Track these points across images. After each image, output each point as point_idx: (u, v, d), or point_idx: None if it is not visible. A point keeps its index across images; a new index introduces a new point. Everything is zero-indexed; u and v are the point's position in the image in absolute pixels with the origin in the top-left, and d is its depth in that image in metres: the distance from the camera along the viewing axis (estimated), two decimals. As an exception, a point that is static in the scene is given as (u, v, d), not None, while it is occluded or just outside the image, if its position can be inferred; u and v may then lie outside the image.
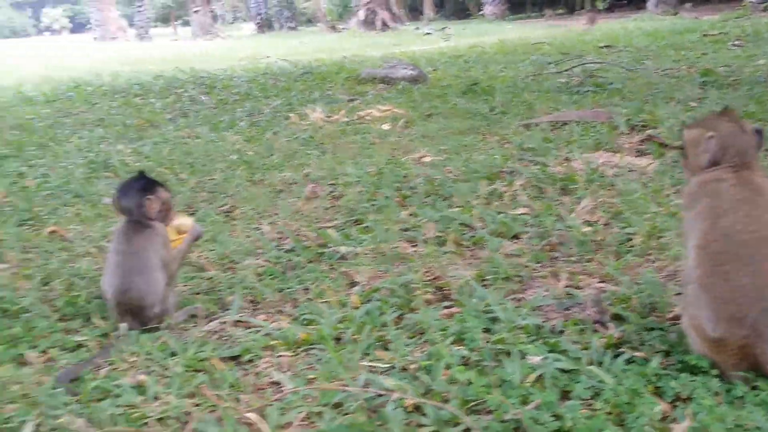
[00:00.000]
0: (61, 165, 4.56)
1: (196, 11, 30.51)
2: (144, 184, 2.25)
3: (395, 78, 7.72)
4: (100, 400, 1.76)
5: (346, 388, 1.73)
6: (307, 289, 2.42)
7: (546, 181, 3.46)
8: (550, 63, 8.62)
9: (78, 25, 65.51)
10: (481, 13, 29.27)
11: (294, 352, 2.00)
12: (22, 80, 10.92)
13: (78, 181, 4.07)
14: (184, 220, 2.47)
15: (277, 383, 1.83)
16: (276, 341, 2.03)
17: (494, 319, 2.05)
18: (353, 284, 2.46)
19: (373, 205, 3.31)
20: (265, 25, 32.13)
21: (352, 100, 6.75)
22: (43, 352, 2.03)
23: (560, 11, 28.68)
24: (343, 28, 26.87)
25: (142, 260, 2.13)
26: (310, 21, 35.71)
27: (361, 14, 26.25)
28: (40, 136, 5.65)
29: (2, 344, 2.07)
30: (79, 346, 2.07)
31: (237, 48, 19.08)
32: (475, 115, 5.48)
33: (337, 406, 1.68)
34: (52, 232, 3.18)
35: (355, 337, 2.02)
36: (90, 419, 1.66)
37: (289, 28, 31.26)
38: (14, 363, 1.96)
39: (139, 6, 31.43)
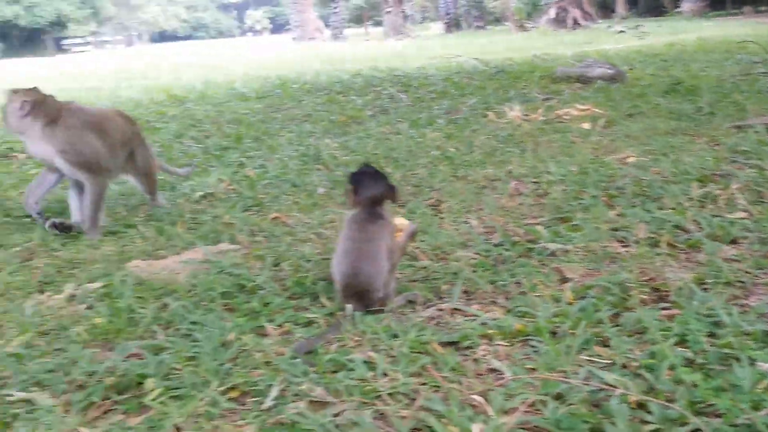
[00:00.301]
0: (276, 157, 4.89)
1: (388, 12, 31.29)
2: (383, 176, 2.39)
3: (591, 77, 7.59)
4: (333, 372, 1.90)
5: (568, 380, 1.76)
6: (518, 282, 2.47)
7: (765, 186, 3.30)
8: (757, 62, 8.12)
9: (277, 26, 69.15)
10: (678, 10, 27.93)
11: (509, 342, 2.05)
12: (232, 78, 11.74)
13: (293, 172, 4.35)
14: (399, 220, 2.60)
15: (495, 370, 1.89)
16: (492, 330, 2.09)
17: (717, 324, 2.00)
18: (564, 280, 2.48)
19: (579, 203, 3.31)
20: (453, 25, 32.39)
21: (547, 99, 6.71)
22: (279, 325, 2.21)
23: (762, 8, 26.77)
24: (532, 27, 26.56)
25: (372, 247, 2.27)
26: (497, 20, 35.59)
27: (552, 12, 25.86)
28: (255, 130, 6.08)
29: (244, 316, 2.28)
30: (310, 322, 2.23)
31: (427, 47, 19.39)
32: (680, 115, 5.30)
33: (558, 397, 1.72)
34: (275, 218, 3.43)
35: (572, 331, 2.04)
36: (327, 388, 1.80)
37: (477, 27, 31.36)
38: (254, 334, 2.16)
39: (335, 8, 32.70)
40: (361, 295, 2.25)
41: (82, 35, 59.13)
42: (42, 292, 2.64)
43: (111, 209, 3.72)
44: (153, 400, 1.79)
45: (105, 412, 1.80)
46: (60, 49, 54.49)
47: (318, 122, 6.31)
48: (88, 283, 2.66)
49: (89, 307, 2.44)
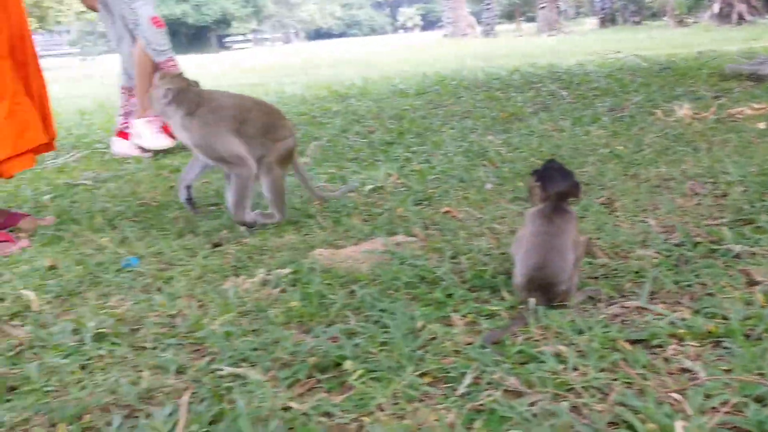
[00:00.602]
0: (441, 153, 4.98)
1: (542, 7, 30.80)
2: (569, 171, 2.41)
3: (764, 75, 7.19)
4: (522, 363, 1.94)
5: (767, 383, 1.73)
6: (703, 284, 2.41)
7: None
8: None
9: (429, 23, 69.71)
10: None
11: (700, 342, 2.02)
12: (390, 74, 11.97)
13: (460, 168, 4.42)
14: None
15: (688, 370, 1.87)
16: (682, 330, 2.07)
17: None
18: (753, 283, 2.40)
19: (763, 205, 3.18)
20: (608, 20, 31.47)
21: (717, 97, 6.43)
22: (464, 316, 2.28)
23: None
24: (693, 22, 25.38)
25: (560, 241, 2.30)
26: (654, 15, 34.25)
27: (716, 7, 24.60)
28: (417, 126, 6.19)
29: (428, 305, 2.37)
30: (493, 314, 2.29)
31: (582, 43, 18.98)
32: None
33: (759, 399, 1.69)
34: (446, 212, 3.51)
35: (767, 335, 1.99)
36: (519, 378, 1.85)
37: (633, 23, 30.30)
38: (440, 323, 2.24)
39: (487, 4, 32.56)
40: (545, 288, 2.28)
41: (243, 33, 62.25)
42: (237, 275, 2.84)
43: (287, 200, 3.92)
44: (355, 380, 1.90)
45: (309, 389, 1.93)
46: (223, 46, 57.68)
47: (479, 119, 6.34)
48: (278, 269, 2.83)
49: (282, 291, 2.61)
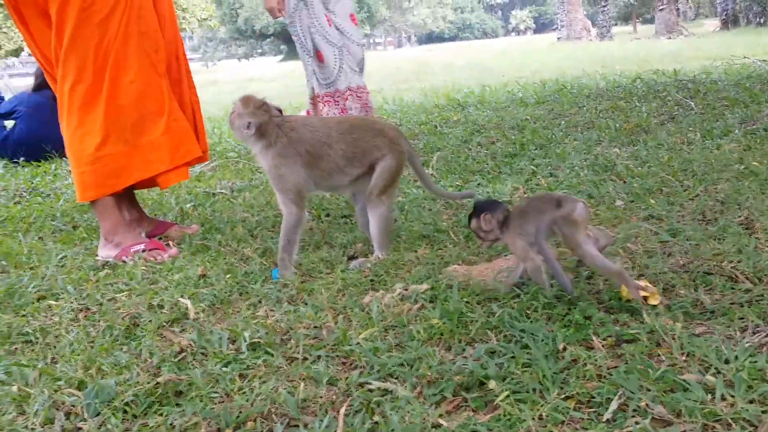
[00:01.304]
0: (566, 165, 4.97)
1: (661, 9, 29.92)
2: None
3: None
4: (668, 391, 1.96)
5: None
6: None
7: None
8: None
9: (541, 26, 68.87)
10: None
11: None
12: (506, 81, 11.94)
13: (587, 183, 4.40)
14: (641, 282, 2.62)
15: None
16: (834, 363, 2.04)
17: None
18: None
19: None
20: (731, 21, 30.22)
21: None
22: (604, 339, 2.31)
23: None
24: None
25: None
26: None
27: None
28: (539, 137, 6.18)
29: (566, 327, 2.41)
30: (633, 339, 2.30)
31: (704, 46, 18.36)
32: None
33: None
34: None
35: None
36: (665, 406, 1.87)
37: (757, 24, 28.98)
38: (582, 346, 2.28)
39: (604, 6, 31.89)
40: (688, 316, 2.28)
41: (357, 37, 63.80)
42: (375, 290, 2.96)
43: (416, 214, 4.03)
44: (501, 400, 1.97)
45: (456, 407, 2.01)
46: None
47: (603, 130, 6.27)
48: (414, 284, 2.93)
49: (421, 307, 2.70)
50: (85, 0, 3.46)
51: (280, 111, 3.42)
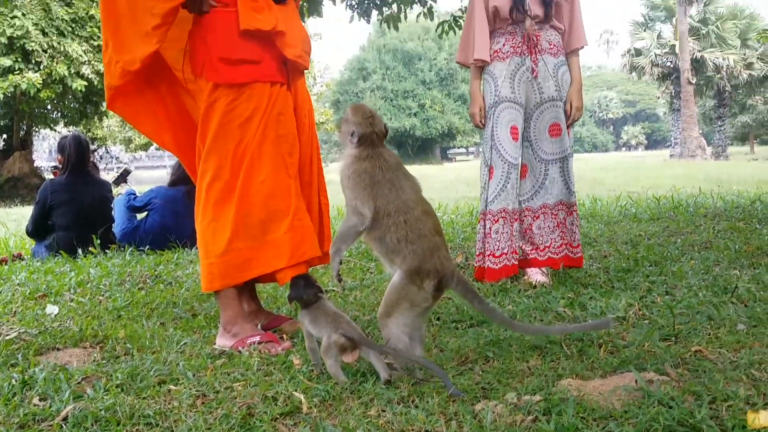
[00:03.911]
0: (683, 285, 4.85)
1: (781, 129, 29.20)
2: None
3: None
4: None
5: None
6: None
7: None
8: None
9: (653, 142, 68.28)
10: None
11: None
12: (617, 194, 11.83)
13: (706, 304, 4.27)
14: None
15: None
16: None
17: None
18: None
19: None
20: None
21: None
22: None
23: None
24: None
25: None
26: None
27: None
28: (654, 253, 6.07)
29: None
30: None
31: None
32: None
33: None
34: (697, 351, 3.41)
35: None
36: None
37: None
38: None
39: (720, 125, 31.42)
40: None
41: (465, 146, 64.93)
42: (487, 398, 2.94)
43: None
44: None
45: None
46: (446, 157, 60.42)
47: (722, 250, 6.10)
48: (526, 395, 2.89)
49: (535, 420, 2.66)
50: (229, 104, 3.73)
51: (386, 129, 3.43)
